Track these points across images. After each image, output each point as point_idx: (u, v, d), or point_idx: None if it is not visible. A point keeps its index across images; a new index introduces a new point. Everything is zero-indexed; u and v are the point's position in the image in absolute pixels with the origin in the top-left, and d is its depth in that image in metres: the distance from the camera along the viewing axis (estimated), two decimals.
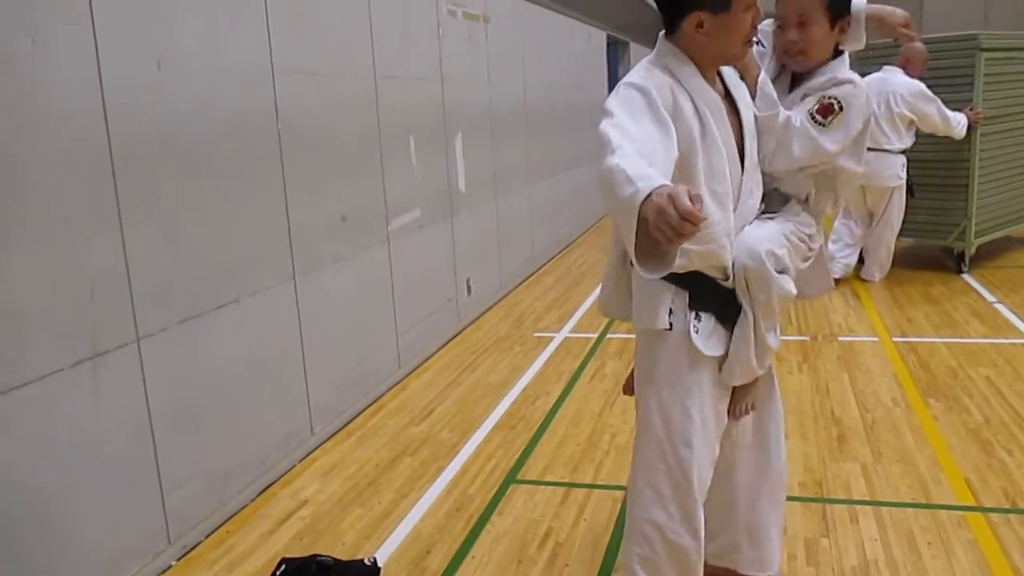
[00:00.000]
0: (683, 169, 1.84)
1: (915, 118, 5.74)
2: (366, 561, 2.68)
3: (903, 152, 5.86)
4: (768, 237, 2.01)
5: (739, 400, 2.15)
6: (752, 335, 2.02)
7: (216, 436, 3.05)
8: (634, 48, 11.67)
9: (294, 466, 3.51)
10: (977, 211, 6.10)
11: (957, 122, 5.76)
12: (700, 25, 1.87)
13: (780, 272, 2.01)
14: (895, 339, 4.83)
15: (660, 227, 1.38)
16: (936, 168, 6.15)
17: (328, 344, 3.82)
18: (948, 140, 5.87)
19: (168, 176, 2.80)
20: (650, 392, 2.08)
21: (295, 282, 3.55)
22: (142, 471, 2.71)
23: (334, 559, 2.64)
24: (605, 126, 1.69)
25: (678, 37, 1.93)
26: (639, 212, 1.45)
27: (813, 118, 2.02)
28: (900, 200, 5.98)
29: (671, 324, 2.00)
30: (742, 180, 2.00)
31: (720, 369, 2.06)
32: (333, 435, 3.83)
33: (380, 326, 4.39)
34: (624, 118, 1.73)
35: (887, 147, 5.76)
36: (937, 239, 6.38)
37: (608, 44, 10.48)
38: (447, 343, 5.19)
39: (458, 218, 5.44)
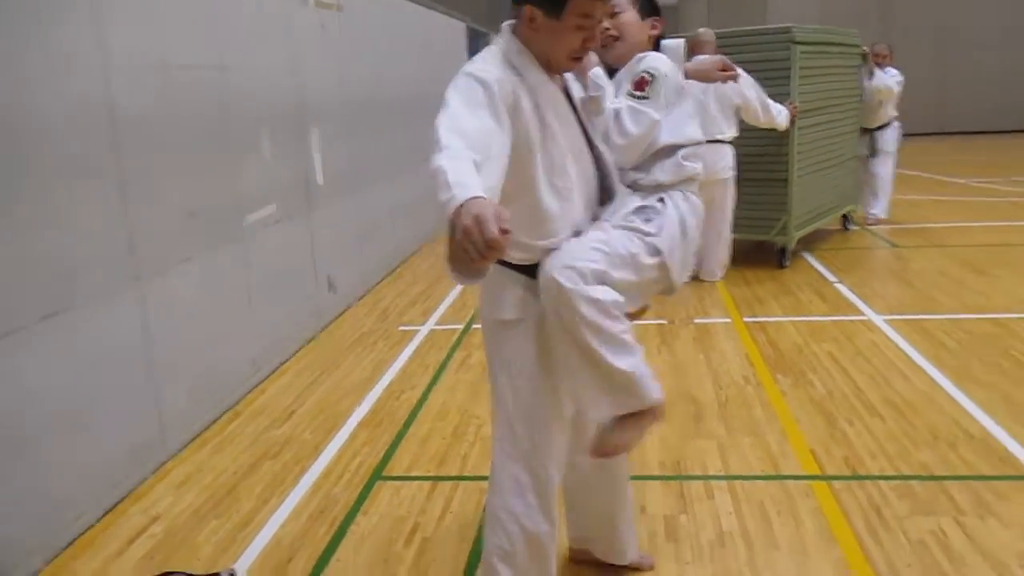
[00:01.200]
0: (521, 164, 1.83)
1: (740, 102, 5.69)
2: (223, 574, 2.56)
3: (732, 143, 5.86)
4: (570, 252, 1.91)
5: (604, 441, 2.05)
6: (574, 357, 1.92)
7: (50, 458, 2.81)
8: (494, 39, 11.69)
9: (145, 480, 3.32)
10: (795, 204, 6.15)
11: (779, 112, 5.75)
12: (532, 20, 1.87)
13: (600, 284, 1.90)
14: (746, 319, 5.05)
15: (464, 247, 1.36)
16: (756, 162, 6.09)
17: (178, 349, 3.63)
18: (767, 134, 5.90)
19: None
20: (504, 382, 2.07)
21: (138, 284, 3.34)
22: None
23: (188, 575, 2.51)
24: (440, 119, 1.65)
25: (518, 27, 1.93)
26: (451, 220, 1.42)
27: (632, 95, 2.08)
28: (733, 193, 5.96)
29: (521, 315, 2.00)
30: (596, 171, 2.03)
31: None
32: (187, 444, 3.64)
33: (235, 328, 4.21)
34: (461, 110, 1.69)
35: (719, 136, 5.70)
36: (759, 234, 6.28)
37: (468, 35, 10.47)
38: (308, 342, 5.05)
39: (317, 213, 5.29)
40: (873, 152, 7.80)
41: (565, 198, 1.94)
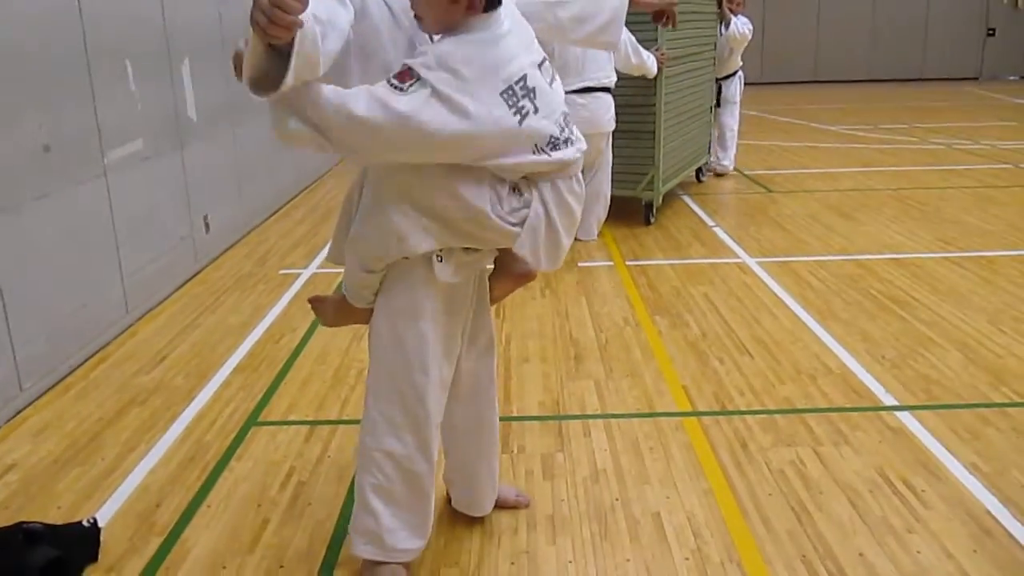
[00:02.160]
0: (362, 56, 1.80)
1: (633, 61, 5.37)
2: (84, 522, 2.45)
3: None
4: None
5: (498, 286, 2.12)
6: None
7: None
8: None
9: None
10: (663, 159, 5.89)
11: (649, 57, 5.44)
12: None
13: None
14: (628, 263, 5.15)
15: (256, 20, 1.39)
16: (621, 114, 5.55)
17: (35, 291, 3.41)
18: (633, 83, 5.57)
19: None
20: (383, 320, 2.04)
21: None
22: None
23: (44, 525, 2.39)
24: None
25: None
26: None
27: (390, 83, 1.70)
28: (610, 146, 5.63)
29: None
30: None
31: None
32: (47, 391, 3.46)
33: (101, 268, 3.99)
34: None
35: (605, 83, 5.28)
36: (624, 189, 5.90)
37: None
38: (183, 284, 4.85)
39: (190, 150, 5.04)
40: (719, 102, 7.70)
41: None
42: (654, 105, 5.77)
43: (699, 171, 7.52)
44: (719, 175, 7.81)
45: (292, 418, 3.22)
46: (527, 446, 2.96)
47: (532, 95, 1.78)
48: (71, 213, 3.72)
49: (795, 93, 16.34)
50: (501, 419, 3.10)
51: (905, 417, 3.10)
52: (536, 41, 1.90)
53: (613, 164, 5.72)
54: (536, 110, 1.79)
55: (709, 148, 7.52)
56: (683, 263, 5.16)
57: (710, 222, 6.11)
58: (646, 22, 5.22)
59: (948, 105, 13.32)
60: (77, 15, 3.79)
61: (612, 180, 5.74)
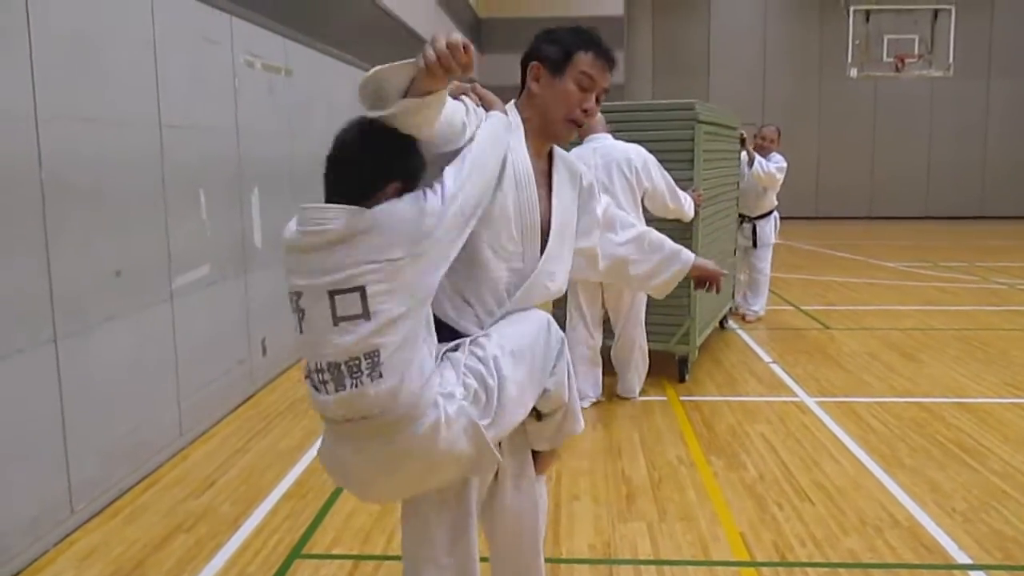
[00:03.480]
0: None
1: (648, 187, 4.73)
2: None
3: None
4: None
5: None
6: None
7: None
8: None
9: (47, 551, 3.13)
10: (699, 307, 5.30)
11: (686, 199, 4.93)
12: (537, 79, 2.02)
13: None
14: (682, 398, 5.06)
15: (427, 53, 1.54)
16: None
17: (96, 412, 3.47)
18: (670, 225, 4.85)
19: None
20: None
21: (55, 344, 3.21)
22: None
23: None
24: None
25: (523, 93, 2.05)
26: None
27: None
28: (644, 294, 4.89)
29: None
30: (539, 259, 2.02)
31: None
32: (98, 514, 3.46)
33: (159, 391, 4.06)
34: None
35: None
36: (657, 343, 5.20)
37: None
38: (237, 407, 4.90)
39: (253, 275, 5.20)
40: (755, 243, 7.26)
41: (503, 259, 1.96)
42: (690, 248, 5.20)
43: (723, 319, 6.80)
44: (748, 322, 7.26)
45: (336, 551, 3.15)
46: None
47: None
48: (135, 336, 3.82)
49: (851, 228, 16.36)
50: (550, 560, 3.02)
51: None
52: None
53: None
54: None
55: (733, 293, 7.12)
56: (739, 400, 5.05)
57: (767, 358, 6.01)
58: (681, 160, 5.04)
59: (1009, 244, 13.15)
60: (159, 151, 4.02)
61: None
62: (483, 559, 2.08)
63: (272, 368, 5.51)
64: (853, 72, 15.72)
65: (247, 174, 5.10)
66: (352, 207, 1.66)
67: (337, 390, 1.67)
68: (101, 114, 3.54)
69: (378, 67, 1.64)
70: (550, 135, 2.06)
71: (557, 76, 1.99)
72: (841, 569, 2.98)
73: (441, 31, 1.59)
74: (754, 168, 6.93)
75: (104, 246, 3.57)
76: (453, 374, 1.77)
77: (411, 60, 1.61)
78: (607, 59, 2.03)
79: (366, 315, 1.63)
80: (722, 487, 3.73)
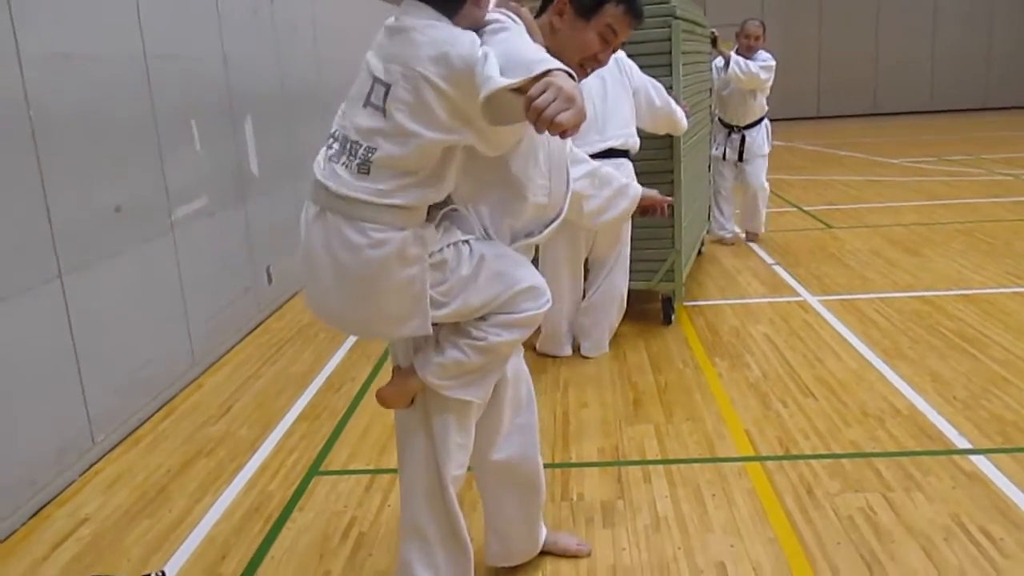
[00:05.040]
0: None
1: (658, 101, 4.09)
2: (153, 575, 2.51)
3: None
4: None
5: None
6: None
7: None
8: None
9: (72, 482, 3.23)
10: (683, 238, 4.57)
11: (682, 113, 4.22)
12: (561, 13, 1.95)
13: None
14: (686, 303, 5.10)
15: (553, 102, 1.39)
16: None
17: (107, 346, 3.53)
18: (649, 145, 4.23)
19: None
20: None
21: (61, 281, 3.24)
22: None
23: None
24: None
25: (539, 16, 1.97)
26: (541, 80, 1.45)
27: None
28: (629, 232, 4.26)
29: None
30: (565, 195, 2.07)
31: None
32: (118, 444, 3.56)
33: (168, 322, 4.12)
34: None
35: (630, 144, 3.98)
36: (638, 282, 4.49)
37: None
38: (247, 335, 4.96)
39: (252, 204, 5.19)
40: (742, 156, 6.39)
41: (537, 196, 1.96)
42: (671, 172, 4.43)
43: (700, 244, 6.04)
44: (749, 240, 6.61)
45: (353, 467, 3.24)
46: (586, 493, 2.93)
47: None
48: (139, 270, 3.85)
49: (854, 126, 16.15)
50: (560, 465, 3.11)
51: (980, 461, 2.98)
52: None
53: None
54: None
55: (709, 214, 6.47)
56: (742, 303, 5.09)
57: (769, 260, 6.03)
58: (658, 65, 4.27)
59: (1015, 135, 12.99)
60: (146, 83, 3.96)
61: None
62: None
63: (278, 295, 5.56)
64: None
65: (238, 102, 5.04)
66: (433, 11, 1.71)
67: (333, 159, 1.76)
68: (84, 50, 3.49)
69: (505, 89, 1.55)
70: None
71: (582, 20, 1.92)
72: (844, 459, 3.06)
73: (558, 80, 1.43)
74: (730, 69, 6.09)
75: (101, 183, 3.56)
76: (441, 236, 1.83)
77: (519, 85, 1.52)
78: (637, 16, 1.97)
79: (383, 112, 1.70)
80: (726, 387, 3.80)
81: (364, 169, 1.71)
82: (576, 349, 4.33)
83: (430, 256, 1.80)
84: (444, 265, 1.83)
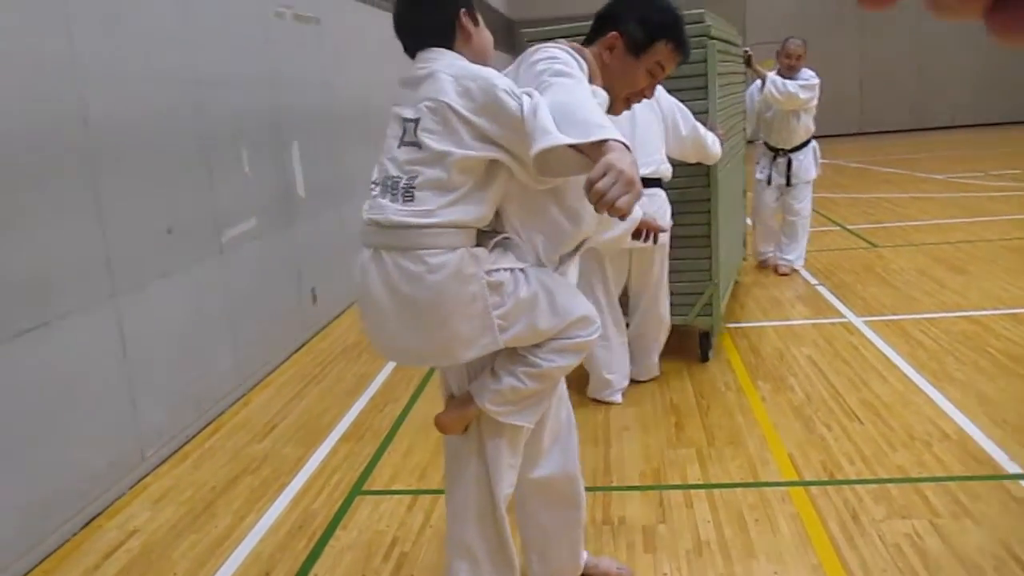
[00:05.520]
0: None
1: (685, 131, 3.81)
2: None
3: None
4: None
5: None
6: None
7: (26, 472, 2.82)
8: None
9: (122, 495, 3.31)
10: (720, 270, 4.28)
11: (712, 138, 3.92)
12: (611, 48, 1.97)
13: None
14: (729, 325, 5.07)
15: (615, 188, 1.44)
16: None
17: (158, 364, 3.62)
18: (683, 172, 3.99)
19: None
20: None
21: (115, 300, 3.34)
22: None
23: None
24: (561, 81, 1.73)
25: (593, 46, 1.99)
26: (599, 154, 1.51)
27: None
28: (666, 262, 4.04)
29: None
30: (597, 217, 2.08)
31: None
32: (167, 459, 3.64)
33: (216, 341, 4.21)
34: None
35: (662, 173, 3.74)
36: (674, 317, 4.20)
37: None
38: (292, 355, 5.04)
39: (299, 226, 5.29)
40: (789, 181, 6.06)
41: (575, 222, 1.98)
42: (707, 200, 4.16)
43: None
44: (781, 274, 6.15)
45: (395, 487, 3.28)
46: (627, 517, 2.92)
47: None
48: (189, 290, 3.95)
49: (897, 142, 15.93)
50: (601, 489, 3.11)
51: None
52: None
53: None
54: None
55: (745, 243, 6.12)
56: (785, 324, 5.04)
57: (812, 280, 5.97)
58: (692, 88, 3.99)
59: None
60: (197, 107, 4.08)
61: None
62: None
63: (323, 316, 5.64)
64: None
65: (285, 126, 5.15)
66: (445, 50, 1.83)
67: (377, 198, 1.83)
68: (138, 72, 3.60)
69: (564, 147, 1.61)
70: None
71: (632, 56, 1.95)
72: (890, 484, 3.01)
73: (619, 163, 1.47)
74: (766, 89, 5.76)
75: (154, 204, 3.67)
76: (496, 259, 1.87)
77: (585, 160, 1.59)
78: (686, 53, 2.02)
79: (418, 144, 1.78)
80: (769, 411, 3.77)
81: (408, 196, 1.78)
82: (618, 417, 3.89)
83: (488, 274, 1.84)
84: (501, 287, 1.86)
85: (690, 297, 4.28)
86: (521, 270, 1.91)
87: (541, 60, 1.84)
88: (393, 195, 1.79)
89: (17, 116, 2.85)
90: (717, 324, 4.38)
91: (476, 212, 1.81)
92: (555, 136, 1.56)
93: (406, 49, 1.90)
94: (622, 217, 1.45)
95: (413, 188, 1.77)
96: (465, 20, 1.86)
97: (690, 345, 4.49)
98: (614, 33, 1.96)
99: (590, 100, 1.70)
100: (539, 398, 2.01)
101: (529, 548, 2.41)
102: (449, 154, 1.74)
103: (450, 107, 1.74)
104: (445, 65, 1.79)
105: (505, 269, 1.88)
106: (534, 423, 2.06)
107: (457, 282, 1.78)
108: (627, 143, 1.54)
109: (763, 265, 6.48)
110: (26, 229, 2.87)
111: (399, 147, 1.81)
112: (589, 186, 1.46)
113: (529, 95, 1.69)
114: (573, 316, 1.94)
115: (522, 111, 1.66)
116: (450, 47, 1.84)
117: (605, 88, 1.96)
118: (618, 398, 3.99)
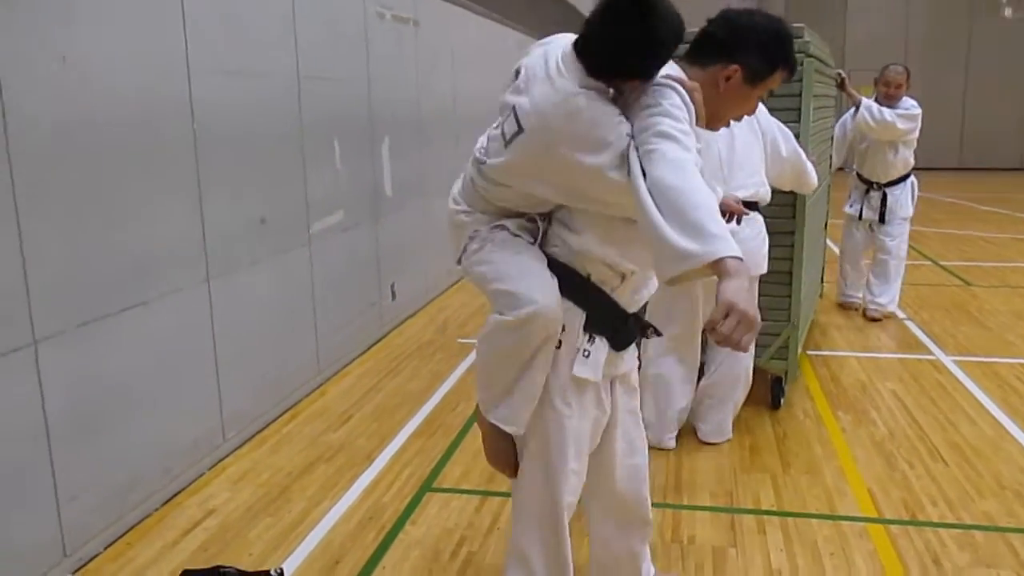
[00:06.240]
0: None
1: (786, 153, 3.52)
2: (272, 573, 2.62)
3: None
4: None
5: None
6: None
7: (118, 444, 2.93)
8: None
9: (203, 474, 3.41)
10: (800, 310, 3.99)
11: (811, 167, 3.66)
12: (728, 79, 1.88)
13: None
14: (809, 352, 4.95)
15: (738, 329, 1.46)
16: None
17: (243, 349, 3.73)
18: (771, 202, 3.55)
19: (70, 171, 2.69)
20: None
21: (209, 284, 3.45)
22: (35, 481, 2.59)
23: (238, 570, 2.57)
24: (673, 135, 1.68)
25: (702, 71, 1.89)
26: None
27: None
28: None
29: (560, 342, 1.96)
30: None
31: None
32: (246, 442, 3.74)
33: (299, 330, 4.31)
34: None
35: (761, 195, 3.45)
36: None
37: None
38: (369, 348, 5.13)
39: (383, 221, 5.38)
40: (883, 217, 5.61)
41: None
42: (792, 233, 3.86)
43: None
44: (871, 319, 5.67)
45: (465, 487, 3.30)
46: (697, 537, 2.88)
47: None
48: (277, 278, 4.06)
49: (998, 180, 15.33)
50: (671, 506, 3.07)
51: None
52: None
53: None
54: None
55: (822, 278, 5.80)
56: (869, 356, 4.90)
57: (901, 314, 5.78)
58: (780, 108, 3.67)
59: None
60: (297, 102, 4.19)
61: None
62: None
63: (401, 312, 5.72)
64: (1008, 12, 14.56)
65: (378, 124, 5.25)
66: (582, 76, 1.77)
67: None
68: (244, 66, 3.72)
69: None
70: (705, 124, 1.92)
71: (748, 86, 1.90)
72: (976, 531, 2.90)
73: (741, 302, 1.46)
74: (859, 116, 5.38)
75: (250, 194, 3.78)
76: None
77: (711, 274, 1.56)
78: (792, 73, 1.97)
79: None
80: (849, 443, 3.66)
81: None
82: (691, 431, 3.73)
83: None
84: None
85: (765, 338, 3.90)
86: (500, 226, 1.96)
87: (654, 106, 1.73)
88: None
89: (132, 103, 2.98)
90: (792, 370, 4.04)
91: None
92: (664, 231, 1.57)
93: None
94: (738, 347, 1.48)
95: None
96: None
97: (761, 391, 4.03)
98: (735, 67, 1.87)
99: (703, 191, 1.60)
100: (487, 377, 2.02)
101: (593, 561, 2.39)
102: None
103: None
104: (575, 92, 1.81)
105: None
106: (511, 425, 2.02)
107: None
108: (741, 256, 1.52)
109: (846, 307, 5.96)
110: (136, 212, 3.00)
111: None
112: (712, 328, 1.48)
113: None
114: (499, 285, 1.91)
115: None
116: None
117: (711, 113, 1.89)
118: (670, 443, 3.61)
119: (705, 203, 1.57)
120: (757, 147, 3.44)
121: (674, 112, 1.71)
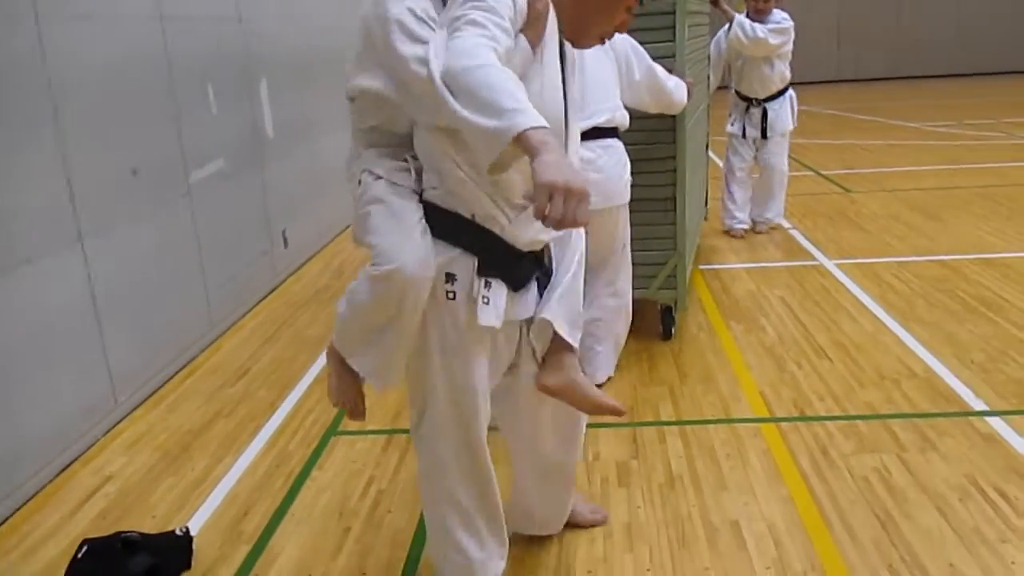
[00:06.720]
0: None
1: (640, 76, 3.30)
2: (177, 532, 2.55)
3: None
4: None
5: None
6: None
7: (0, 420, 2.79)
8: None
9: (97, 440, 3.29)
10: (686, 236, 3.82)
11: (677, 84, 3.42)
12: None
13: None
14: (701, 267, 5.09)
15: (556, 203, 1.32)
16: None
17: (128, 308, 3.57)
18: (642, 127, 3.48)
19: None
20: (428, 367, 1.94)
21: (82, 243, 3.27)
22: None
23: (141, 534, 2.50)
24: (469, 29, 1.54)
25: None
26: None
27: None
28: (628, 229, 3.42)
29: (454, 293, 1.85)
30: (566, 125, 1.86)
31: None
32: (141, 404, 3.61)
33: (187, 285, 4.15)
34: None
35: (618, 122, 3.23)
36: (634, 290, 3.54)
37: None
38: (264, 298, 5.00)
39: (269, 167, 5.20)
40: (764, 132, 5.64)
41: None
42: (672, 158, 3.67)
43: None
44: (759, 233, 5.83)
45: (370, 427, 3.28)
46: (602, 453, 2.96)
47: None
48: (158, 232, 3.88)
49: (873, 90, 15.93)
50: None
51: (996, 423, 2.99)
52: None
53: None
54: None
55: (707, 200, 5.65)
56: (758, 266, 5.07)
57: (786, 224, 5.99)
58: (654, 28, 3.50)
59: None
60: (161, 45, 3.96)
61: None
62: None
63: (294, 259, 5.59)
64: None
65: (253, 65, 5.03)
66: None
67: None
68: (100, 10, 3.48)
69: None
70: (571, 40, 1.84)
71: None
72: (859, 421, 3.07)
73: (557, 176, 1.33)
74: (732, 33, 5.35)
75: (118, 145, 3.58)
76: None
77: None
78: None
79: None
80: (742, 350, 3.81)
81: None
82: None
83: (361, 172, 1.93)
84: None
85: (652, 268, 3.79)
86: (376, 175, 1.88)
87: None
88: None
89: None
90: (682, 299, 3.88)
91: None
92: (456, 110, 1.46)
93: None
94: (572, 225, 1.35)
95: None
96: None
97: (650, 322, 4.04)
98: None
99: (495, 69, 1.47)
100: (344, 323, 1.96)
101: (515, 500, 2.37)
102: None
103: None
104: None
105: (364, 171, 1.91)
106: (364, 368, 1.99)
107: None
108: (547, 125, 1.39)
109: (732, 234, 5.80)
110: None
111: None
112: (542, 216, 1.34)
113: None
114: (372, 237, 1.84)
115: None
116: None
117: (575, 27, 1.80)
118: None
119: (498, 80, 1.44)
120: (610, 69, 3.22)
121: (494, 6, 1.59)
